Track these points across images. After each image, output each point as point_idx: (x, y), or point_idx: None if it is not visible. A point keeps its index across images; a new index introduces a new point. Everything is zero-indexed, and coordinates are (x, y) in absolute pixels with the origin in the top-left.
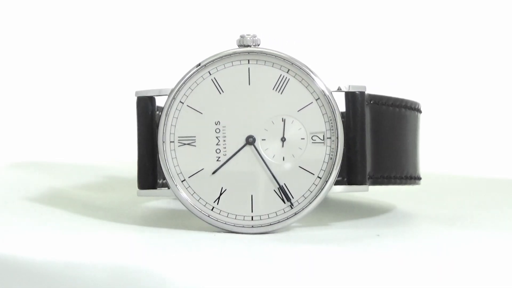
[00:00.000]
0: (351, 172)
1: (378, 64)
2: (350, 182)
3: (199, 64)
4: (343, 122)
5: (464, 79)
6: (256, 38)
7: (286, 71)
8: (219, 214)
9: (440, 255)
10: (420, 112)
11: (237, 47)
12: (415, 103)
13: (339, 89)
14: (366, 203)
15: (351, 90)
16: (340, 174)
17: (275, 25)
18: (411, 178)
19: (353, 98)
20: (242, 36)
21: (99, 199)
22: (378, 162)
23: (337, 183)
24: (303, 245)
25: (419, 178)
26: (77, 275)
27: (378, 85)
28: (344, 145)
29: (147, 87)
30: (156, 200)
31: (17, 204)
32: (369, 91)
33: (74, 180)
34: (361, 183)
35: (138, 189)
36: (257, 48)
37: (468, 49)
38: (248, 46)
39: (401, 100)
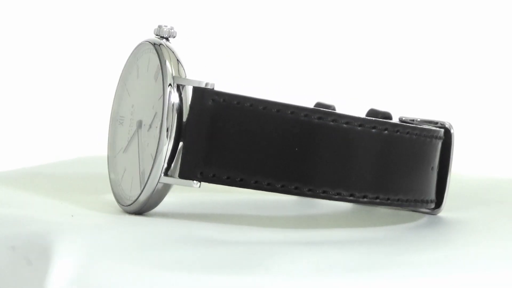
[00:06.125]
0: (181, 166)
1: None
2: (179, 175)
3: None
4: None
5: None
6: (172, 30)
7: (160, 61)
8: (121, 192)
9: None
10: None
11: (154, 36)
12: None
13: (188, 83)
14: None
15: (200, 86)
16: None
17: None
18: (262, 183)
19: (196, 93)
20: (159, 27)
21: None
22: (213, 159)
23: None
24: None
25: (292, 187)
26: None
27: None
28: (180, 138)
29: None
30: None
31: None
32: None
33: None
34: (187, 178)
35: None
36: (154, 38)
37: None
38: (162, 36)
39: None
